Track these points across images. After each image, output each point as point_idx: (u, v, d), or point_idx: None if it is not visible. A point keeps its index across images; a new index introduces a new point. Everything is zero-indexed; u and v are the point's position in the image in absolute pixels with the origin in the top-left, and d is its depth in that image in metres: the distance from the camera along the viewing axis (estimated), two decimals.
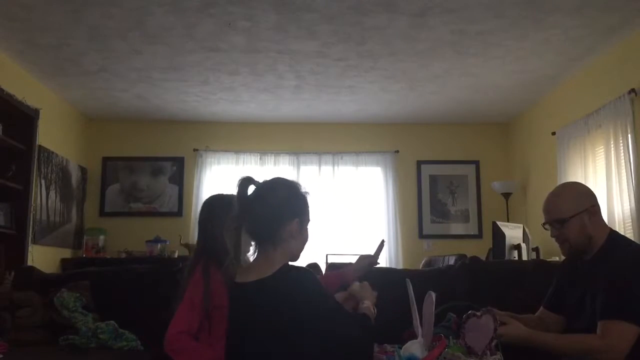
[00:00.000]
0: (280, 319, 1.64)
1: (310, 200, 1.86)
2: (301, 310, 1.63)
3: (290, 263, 1.76)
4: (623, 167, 4.32)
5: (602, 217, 2.14)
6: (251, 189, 1.82)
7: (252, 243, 1.82)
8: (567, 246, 2.13)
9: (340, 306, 1.79)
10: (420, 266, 5.07)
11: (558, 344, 1.98)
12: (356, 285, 1.97)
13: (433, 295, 1.84)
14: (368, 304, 1.86)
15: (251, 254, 1.85)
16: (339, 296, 1.97)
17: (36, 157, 5.13)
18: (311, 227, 1.87)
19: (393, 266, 6.29)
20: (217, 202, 2.35)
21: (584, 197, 2.12)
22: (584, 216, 2.07)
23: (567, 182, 2.32)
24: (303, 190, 1.85)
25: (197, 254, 2.28)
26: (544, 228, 2.19)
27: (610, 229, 2.15)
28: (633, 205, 4.15)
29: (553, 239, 2.18)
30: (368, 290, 1.95)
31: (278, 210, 1.77)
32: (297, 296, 1.64)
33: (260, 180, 1.84)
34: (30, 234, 4.99)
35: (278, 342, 1.65)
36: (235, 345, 1.76)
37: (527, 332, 2.02)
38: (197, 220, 2.41)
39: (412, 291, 1.93)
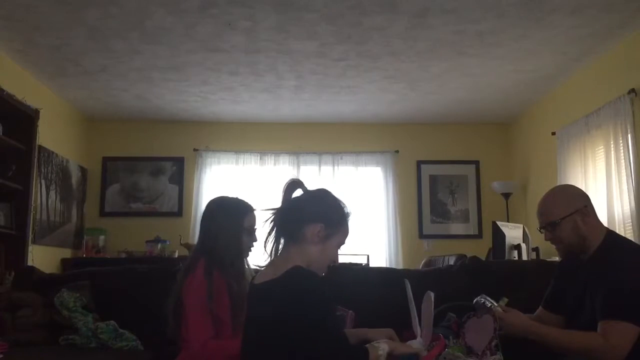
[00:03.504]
0: (276, 318, 1.62)
1: (349, 223, 1.82)
2: (292, 311, 1.59)
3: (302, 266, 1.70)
4: (623, 167, 4.32)
5: (596, 217, 2.14)
6: (298, 192, 1.82)
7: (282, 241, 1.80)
8: (562, 248, 2.14)
9: (329, 324, 1.62)
10: (420, 266, 5.06)
11: (558, 339, 1.98)
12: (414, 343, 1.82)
13: (432, 295, 1.84)
14: (384, 346, 1.67)
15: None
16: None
17: (36, 157, 5.12)
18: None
19: (393, 266, 6.29)
20: (222, 204, 2.36)
21: (575, 199, 2.13)
22: (576, 217, 2.08)
23: (558, 185, 2.34)
24: (345, 208, 1.82)
25: (196, 254, 2.29)
26: (540, 232, 2.21)
27: (607, 229, 2.16)
28: (633, 205, 4.15)
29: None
30: (399, 344, 1.78)
31: (305, 208, 1.78)
32: (292, 296, 1.61)
33: (308, 187, 1.84)
34: (30, 234, 4.98)
35: (275, 343, 1.64)
36: (245, 345, 1.77)
37: (529, 322, 2.03)
38: (198, 220, 2.43)
39: (410, 291, 1.93)
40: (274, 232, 1.80)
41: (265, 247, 1.82)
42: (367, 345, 1.68)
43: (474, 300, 2.12)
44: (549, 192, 2.21)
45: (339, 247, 1.83)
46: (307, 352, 1.58)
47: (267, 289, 1.69)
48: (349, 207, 1.85)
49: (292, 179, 1.83)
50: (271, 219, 1.81)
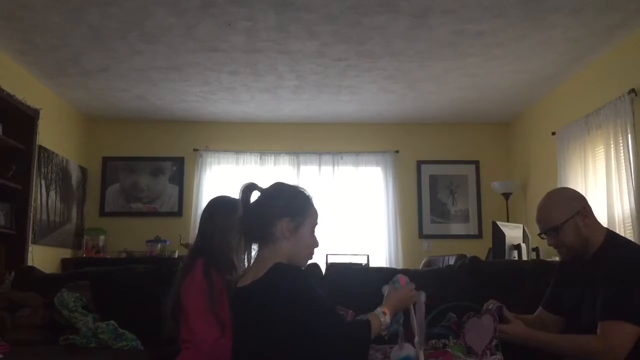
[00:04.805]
0: (267, 318, 1.63)
1: (314, 205, 1.81)
2: (280, 308, 1.60)
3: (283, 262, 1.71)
4: (623, 167, 4.32)
5: (595, 218, 2.14)
6: (255, 195, 1.81)
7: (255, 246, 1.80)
8: (565, 251, 2.13)
9: (322, 308, 1.64)
10: (420, 266, 5.06)
11: (558, 344, 1.99)
12: (384, 288, 1.88)
13: (423, 294, 1.85)
14: (380, 310, 1.74)
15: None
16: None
17: (36, 157, 5.13)
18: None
19: (393, 266, 6.29)
20: (219, 204, 2.35)
21: (573, 201, 2.12)
22: (577, 219, 2.07)
23: (554, 190, 2.31)
24: (305, 192, 1.82)
25: (193, 254, 2.28)
26: (541, 238, 2.20)
27: (607, 230, 2.16)
28: (633, 205, 4.15)
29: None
30: (391, 296, 1.83)
31: (266, 209, 1.76)
32: (278, 293, 1.62)
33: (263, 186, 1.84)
34: (30, 234, 4.99)
35: (269, 343, 1.64)
36: (236, 350, 1.77)
37: (528, 331, 2.03)
38: (198, 220, 2.41)
39: (423, 304, 1.91)
40: (243, 241, 1.79)
41: (238, 257, 1.81)
42: (368, 315, 1.68)
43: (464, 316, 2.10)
44: (546, 197, 2.20)
45: (314, 232, 1.82)
46: (306, 344, 1.59)
47: (252, 289, 1.68)
48: (308, 190, 1.84)
49: (245, 183, 1.82)
50: (237, 229, 1.79)
